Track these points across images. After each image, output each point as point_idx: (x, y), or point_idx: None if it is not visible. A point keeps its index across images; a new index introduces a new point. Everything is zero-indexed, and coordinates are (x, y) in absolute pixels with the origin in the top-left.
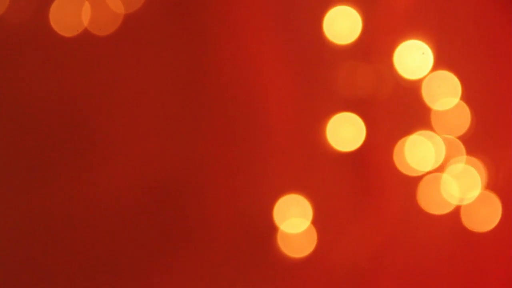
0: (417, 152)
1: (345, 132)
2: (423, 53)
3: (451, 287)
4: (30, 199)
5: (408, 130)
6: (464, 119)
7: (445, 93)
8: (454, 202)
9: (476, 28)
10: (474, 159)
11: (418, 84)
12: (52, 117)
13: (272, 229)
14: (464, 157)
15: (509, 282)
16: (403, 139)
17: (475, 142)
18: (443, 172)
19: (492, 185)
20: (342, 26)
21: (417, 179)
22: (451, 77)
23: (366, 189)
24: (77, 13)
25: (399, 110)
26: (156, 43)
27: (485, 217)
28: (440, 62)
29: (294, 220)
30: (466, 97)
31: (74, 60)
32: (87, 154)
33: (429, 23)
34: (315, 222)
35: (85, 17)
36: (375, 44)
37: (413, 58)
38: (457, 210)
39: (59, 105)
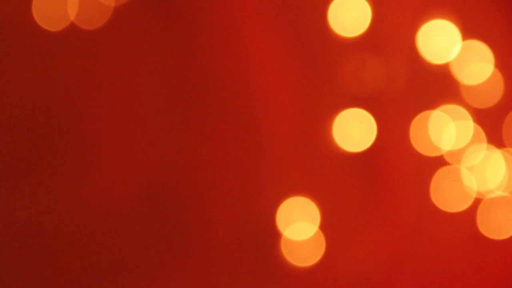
0: (433, 138)
1: (354, 131)
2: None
3: None
4: (27, 201)
5: (421, 128)
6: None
7: (475, 67)
8: (472, 197)
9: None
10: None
11: (440, 71)
12: (45, 117)
13: (275, 234)
14: (485, 145)
15: None
16: (418, 137)
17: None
18: (460, 164)
19: None
20: (351, 14)
21: (431, 178)
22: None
23: (378, 191)
24: (63, 6)
25: (413, 105)
26: (148, 38)
27: (505, 217)
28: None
29: (299, 225)
30: (500, 66)
31: (61, 57)
32: (90, 154)
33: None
34: (323, 227)
35: (72, 10)
36: (387, 33)
37: (435, 41)
38: (475, 208)
39: (49, 104)
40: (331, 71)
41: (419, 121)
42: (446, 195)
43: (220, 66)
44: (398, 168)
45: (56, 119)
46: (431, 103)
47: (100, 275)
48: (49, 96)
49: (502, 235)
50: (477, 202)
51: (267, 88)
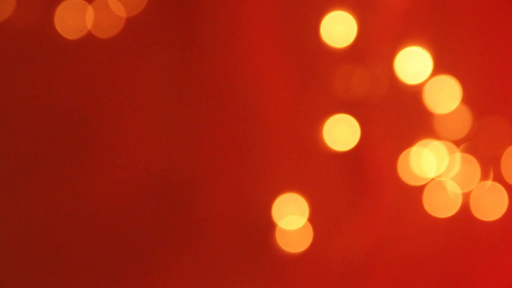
0: (413, 154)
1: (341, 133)
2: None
3: (443, 282)
4: (34, 198)
5: (402, 130)
6: (464, 122)
7: (443, 97)
8: (456, 199)
9: (473, 32)
10: (469, 157)
11: (414, 88)
12: (56, 117)
13: (270, 225)
14: (459, 157)
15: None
16: (397, 139)
17: (472, 142)
18: (442, 172)
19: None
20: (339, 30)
21: (415, 180)
22: (450, 81)
23: (361, 188)
24: (81, 17)
25: (393, 111)
26: (157, 46)
27: (483, 213)
28: (439, 67)
29: (291, 217)
30: (466, 100)
31: (77, 62)
32: (90, 154)
33: (425, 28)
34: (312, 219)
35: (89, 20)
36: (371, 48)
37: (410, 62)
38: (456, 208)
39: (63, 105)
40: (322, 78)
41: (398, 124)
42: (423, 190)
43: (222, 75)
44: (379, 165)
45: (68, 120)
46: (408, 111)
47: (104, 267)
48: (64, 97)
49: (481, 225)
50: (456, 197)
51: (264, 94)
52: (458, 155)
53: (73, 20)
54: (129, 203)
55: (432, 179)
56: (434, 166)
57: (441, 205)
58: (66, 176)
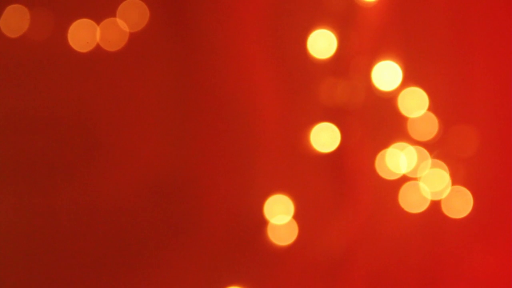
0: (389, 155)
1: (325, 137)
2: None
3: (417, 271)
4: (40, 198)
5: (382, 135)
6: (432, 127)
7: (413, 105)
8: (428, 198)
9: (442, 46)
10: (439, 161)
11: (388, 96)
12: (65, 123)
13: (261, 222)
14: (429, 160)
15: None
16: (377, 144)
17: (441, 146)
18: (414, 173)
19: (459, 182)
20: (321, 45)
21: (391, 180)
22: (419, 91)
23: (342, 187)
24: (91, 32)
25: (370, 117)
26: (157, 58)
27: (452, 211)
28: (409, 78)
29: (280, 215)
30: (433, 108)
31: (87, 72)
32: (95, 156)
33: (399, 43)
34: (298, 216)
35: (97, 35)
36: (350, 62)
37: (384, 74)
38: (428, 206)
39: (71, 112)
40: (307, 88)
41: (375, 128)
42: (398, 188)
43: (217, 85)
44: (358, 166)
45: (75, 125)
46: (384, 116)
47: (106, 263)
48: (73, 104)
49: (450, 220)
50: (431, 196)
51: (255, 102)
52: (428, 157)
53: (83, 35)
54: (128, 203)
55: (406, 178)
56: (406, 166)
57: (414, 203)
58: (71, 177)
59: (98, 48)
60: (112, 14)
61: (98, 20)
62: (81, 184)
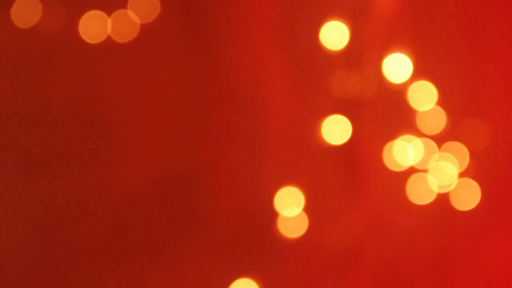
0: (397, 147)
1: (336, 130)
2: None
3: (426, 261)
4: (48, 190)
5: (391, 128)
6: (440, 120)
7: (423, 98)
8: (435, 191)
9: (452, 40)
10: (447, 154)
11: (400, 89)
12: (74, 115)
13: (271, 214)
14: (437, 153)
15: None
16: (387, 136)
17: (449, 139)
18: (423, 165)
19: (467, 174)
20: (333, 38)
21: (400, 172)
22: (429, 85)
23: (353, 181)
24: (101, 24)
25: (381, 109)
26: (168, 51)
27: (460, 203)
28: (419, 71)
29: (291, 207)
30: (443, 101)
31: (97, 64)
32: (104, 150)
33: (410, 36)
34: (309, 207)
35: (109, 27)
36: (361, 54)
37: (395, 67)
38: (436, 198)
39: (80, 103)
40: (318, 80)
41: (385, 120)
42: (407, 180)
43: (227, 78)
44: (369, 158)
45: (88, 116)
46: (394, 109)
47: (114, 257)
48: (83, 96)
49: (462, 213)
50: (439, 189)
51: (266, 95)
52: (436, 150)
53: (94, 26)
54: (136, 196)
55: (414, 170)
56: (414, 158)
57: (423, 195)
58: (79, 169)
59: (109, 39)
60: (123, 5)
61: (109, 12)
62: (89, 176)
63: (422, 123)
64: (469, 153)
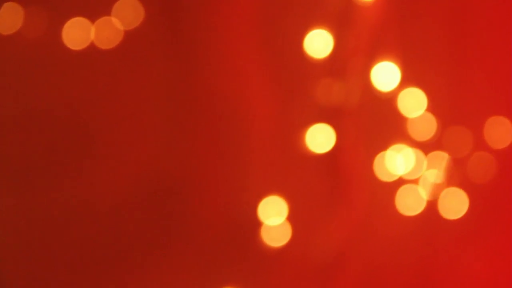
0: (385, 157)
1: (320, 138)
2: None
3: (411, 273)
4: (34, 198)
5: (379, 136)
6: (429, 128)
7: (411, 106)
8: (424, 199)
9: (439, 47)
10: (435, 162)
11: (386, 97)
12: (59, 122)
13: (255, 224)
14: (426, 162)
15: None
16: (374, 145)
17: (438, 147)
18: (410, 174)
19: (455, 183)
20: (318, 46)
21: (386, 182)
22: (417, 92)
23: (337, 190)
24: (85, 30)
25: (367, 117)
26: (151, 57)
27: (447, 212)
28: (406, 78)
29: (274, 216)
30: (432, 108)
31: (81, 70)
32: (88, 157)
33: (395, 44)
34: (291, 218)
35: (92, 33)
36: (346, 62)
37: (381, 75)
38: (424, 207)
39: (65, 110)
40: (302, 88)
41: (372, 129)
42: (394, 190)
43: (211, 86)
44: (354, 168)
45: (69, 124)
46: (380, 117)
47: (100, 264)
48: (67, 102)
49: (446, 223)
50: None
51: (252, 102)
52: (424, 158)
53: (78, 33)
54: (121, 203)
55: (402, 180)
56: (403, 167)
57: (410, 205)
58: (64, 176)
59: (92, 46)
60: (107, 12)
61: (93, 19)
62: (74, 184)
63: (410, 131)
64: (457, 160)
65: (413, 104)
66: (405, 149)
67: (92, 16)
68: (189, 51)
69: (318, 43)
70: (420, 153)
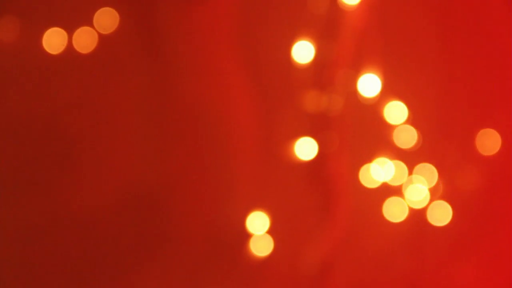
0: (369, 168)
1: (306, 149)
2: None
3: (398, 281)
4: (13, 209)
5: (361, 145)
6: (411, 139)
7: (393, 117)
8: (408, 209)
9: (423, 58)
10: (419, 174)
11: (369, 107)
12: (36, 131)
13: (241, 235)
14: (407, 174)
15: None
16: (356, 154)
17: (421, 158)
18: (394, 183)
19: (439, 194)
20: (302, 57)
21: (373, 191)
22: (399, 103)
23: (323, 200)
24: (62, 35)
25: (351, 129)
26: (130, 68)
27: (435, 221)
28: (389, 89)
29: (258, 228)
30: (413, 120)
31: (59, 74)
32: (68, 167)
33: (378, 55)
34: (275, 229)
35: (70, 38)
36: (330, 73)
37: (364, 86)
38: (410, 217)
39: (43, 119)
40: (288, 99)
41: (356, 140)
42: (380, 199)
43: (194, 96)
44: (338, 177)
45: (48, 132)
46: (364, 127)
47: (83, 274)
48: (46, 108)
49: (432, 232)
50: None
51: (235, 113)
52: (407, 169)
53: (56, 37)
54: (102, 214)
55: (387, 189)
56: (386, 177)
57: (397, 213)
58: (42, 187)
59: (70, 49)
60: (84, 18)
61: (70, 29)
62: (53, 195)
63: (393, 142)
64: (440, 172)
65: (398, 114)
66: (389, 161)
67: (70, 26)
68: (170, 63)
69: (302, 53)
70: (404, 164)
